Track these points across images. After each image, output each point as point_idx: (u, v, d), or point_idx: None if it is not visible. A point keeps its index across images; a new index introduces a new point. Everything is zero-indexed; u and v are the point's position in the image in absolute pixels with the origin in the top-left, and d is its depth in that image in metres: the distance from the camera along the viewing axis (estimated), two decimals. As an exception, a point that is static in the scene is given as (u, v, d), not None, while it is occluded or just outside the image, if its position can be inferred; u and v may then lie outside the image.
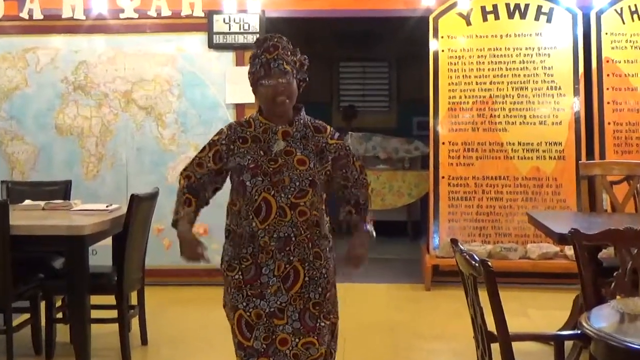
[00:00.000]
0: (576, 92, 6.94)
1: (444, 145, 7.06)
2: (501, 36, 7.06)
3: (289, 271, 3.10)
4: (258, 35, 6.81)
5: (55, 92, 7.05)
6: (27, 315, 4.94)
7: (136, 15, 7.02)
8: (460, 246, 2.90)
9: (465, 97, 7.06)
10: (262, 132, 3.18)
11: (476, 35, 7.08)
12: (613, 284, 3.36)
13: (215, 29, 6.96)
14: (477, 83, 7.04)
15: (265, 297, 3.09)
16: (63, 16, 7.01)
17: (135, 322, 5.20)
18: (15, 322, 4.66)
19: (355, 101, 11.72)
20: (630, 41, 6.95)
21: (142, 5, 6.99)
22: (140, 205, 4.78)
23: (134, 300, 5.20)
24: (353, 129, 10.19)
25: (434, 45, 7.11)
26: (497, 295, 2.62)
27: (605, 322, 2.64)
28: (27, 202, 5.24)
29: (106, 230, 4.73)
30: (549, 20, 7.00)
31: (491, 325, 2.69)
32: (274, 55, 3.15)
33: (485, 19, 7.07)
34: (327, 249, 3.22)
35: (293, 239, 3.09)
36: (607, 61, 6.93)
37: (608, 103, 6.92)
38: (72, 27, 7.04)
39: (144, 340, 5.20)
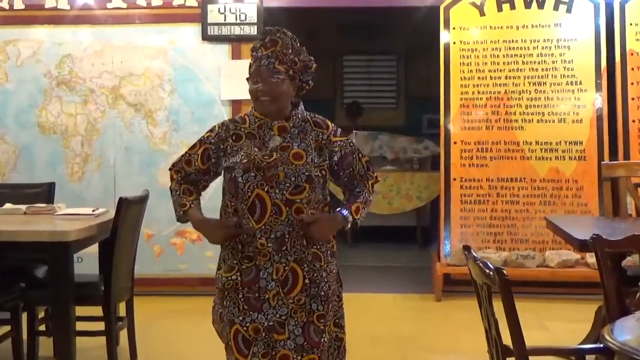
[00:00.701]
0: (598, 88, 6.93)
1: (455, 145, 7.06)
2: (517, 27, 7.06)
3: (287, 274, 3.11)
4: (256, 27, 6.84)
5: (37, 87, 7.06)
6: (7, 328, 4.93)
7: (125, 5, 7.03)
8: (474, 253, 2.90)
9: (479, 92, 7.06)
10: (257, 127, 3.21)
11: (490, 27, 7.08)
12: (638, 294, 3.36)
13: (209, 20, 6.96)
14: (491, 78, 7.04)
15: (263, 310, 3.09)
16: (46, 6, 7.03)
17: (123, 335, 5.20)
18: (-6, 335, 4.67)
19: (360, 97, 11.72)
20: (657, 32, 6.95)
21: (131, -6, 7.02)
22: (129, 209, 4.78)
23: (122, 311, 5.19)
24: (358, 128, 10.21)
25: (445, 37, 7.11)
26: (513, 306, 2.62)
27: (629, 335, 2.64)
28: (8, 205, 5.24)
29: (92, 236, 4.73)
30: (569, 10, 7.00)
31: (507, 339, 2.69)
32: (269, 51, 3.18)
33: (500, 9, 7.07)
34: (328, 252, 3.22)
35: (287, 237, 3.10)
36: (632, 54, 6.93)
37: (633, 99, 6.91)
38: (55, 18, 7.05)
39: (133, 355, 5.20)
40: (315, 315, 3.13)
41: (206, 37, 6.98)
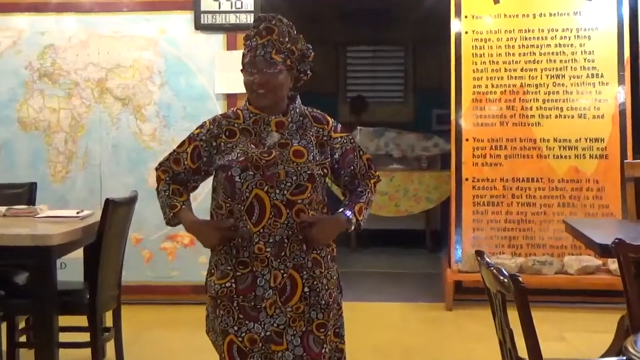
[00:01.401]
0: (621, 81, 6.93)
1: (467, 142, 7.06)
2: (534, 15, 7.06)
3: (285, 282, 3.10)
4: (252, 15, 6.84)
5: (17, 80, 7.06)
6: (-15, 339, 4.94)
7: (112, -8, 7.04)
8: (487, 259, 2.90)
9: (493, 86, 7.06)
10: (253, 123, 3.20)
11: (505, 15, 7.08)
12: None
13: (203, 8, 6.96)
14: (506, 70, 7.04)
15: (259, 319, 3.09)
16: (27, -8, 7.04)
17: (110, 347, 5.20)
18: (-29, 347, 4.67)
19: (365, 91, 11.74)
20: (685, 21, 6.95)
21: (118, -20, 7.02)
22: (117, 212, 4.78)
23: (109, 321, 5.19)
24: (362, 123, 10.21)
25: (456, 26, 7.11)
26: (529, 316, 2.62)
27: (655, 347, 2.64)
28: (-14, 207, 5.24)
29: (77, 240, 4.72)
30: (589, -3, 7.01)
31: (522, 351, 2.69)
32: (265, 40, 3.17)
33: (515, -4, 7.08)
34: (329, 257, 3.22)
35: (286, 241, 3.09)
36: (658, 45, 6.94)
37: (658, 93, 6.93)
38: (37, 5, 7.06)
39: (121, 368, 5.21)
40: (314, 324, 3.13)
41: (199, 26, 6.98)
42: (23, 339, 5.15)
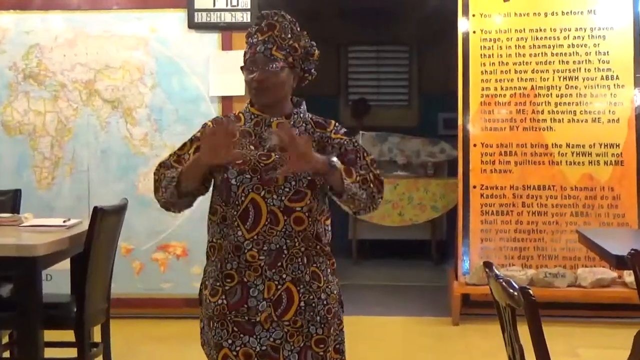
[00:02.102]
0: (637, 83, 6.94)
1: (475, 148, 7.07)
2: (546, 14, 7.07)
3: (280, 294, 3.10)
4: (249, 14, 6.86)
5: (1, 81, 7.07)
6: (-34, 354, 4.95)
7: (101, -11, 7.06)
8: (496, 271, 2.90)
9: (502, 88, 7.06)
10: (254, 125, 3.20)
11: (515, 13, 7.10)
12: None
13: (196, 5, 6.97)
14: (516, 72, 7.05)
15: (255, 333, 3.08)
16: (12, -11, 7.05)
17: (98, 363, 5.21)
18: (-48, 363, 4.67)
19: (367, 94, 11.75)
20: None
21: (108, -24, 7.04)
22: (105, 220, 4.78)
23: (97, 336, 5.19)
24: (365, 128, 10.23)
25: (463, 25, 7.12)
26: (540, 331, 2.62)
27: (672, 364, 2.65)
28: (-33, 216, 5.24)
29: (63, 250, 4.73)
30: (604, -5, 7.03)
31: (533, 368, 2.70)
32: (265, 36, 3.17)
33: (526, -6, 7.09)
34: (328, 270, 3.21)
35: (285, 252, 3.09)
36: (676, 45, 6.96)
37: (676, 96, 6.94)
38: (22, 3, 7.07)
39: (109, 385, 5.21)
40: (313, 340, 3.12)
41: (193, 25, 6.99)
42: (6, 354, 5.15)
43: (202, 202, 3.31)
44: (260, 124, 3.18)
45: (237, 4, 6.96)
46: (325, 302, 3.15)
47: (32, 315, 4.48)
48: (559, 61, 7.02)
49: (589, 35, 7.01)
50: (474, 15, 7.11)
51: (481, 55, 7.09)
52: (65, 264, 5.02)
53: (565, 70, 7.01)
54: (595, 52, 6.99)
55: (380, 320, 6.95)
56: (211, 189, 3.23)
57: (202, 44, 7.00)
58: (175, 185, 3.13)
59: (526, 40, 7.06)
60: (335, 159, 3.06)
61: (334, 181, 3.07)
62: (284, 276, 3.09)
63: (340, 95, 11.89)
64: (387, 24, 10.93)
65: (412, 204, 9.12)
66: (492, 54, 7.08)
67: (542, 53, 7.03)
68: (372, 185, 3.17)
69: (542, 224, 6.99)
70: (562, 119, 7.00)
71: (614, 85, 6.96)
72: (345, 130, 3.28)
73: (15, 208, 5.75)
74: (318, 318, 3.12)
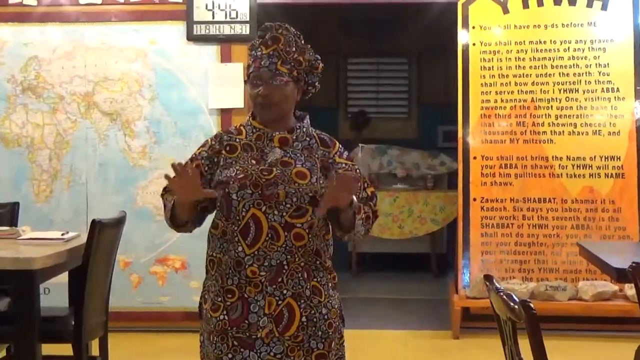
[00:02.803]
0: (638, 95, 6.95)
1: (475, 160, 7.07)
2: (546, 26, 7.08)
3: (281, 309, 3.10)
4: (248, 26, 6.87)
5: (-1, 94, 7.09)
6: (-37, 369, 4.94)
7: (99, 1, 7.05)
8: (496, 284, 2.91)
9: (502, 101, 7.07)
10: (256, 139, 3.20)
11: (515, 26, 7.11)
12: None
13: (195, 18, 6.98)
14: (516, 84, 7.05)
15: (255, 347, 3.08)
16: (10, 1, 7.05)
17: (96, 377, 5.20)
18: (-51, 377, 4.66)
19: (366, 106, 11.76)
20: None
21: (106, -11, 7.05)
22: (104, 233, 4.78)
23: (95, 350, 5.19)
24: (364, 140, 10.22)
25: (463, 37, 7.13)
26: (541, 345, 2.62)
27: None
28: (-35, 229, 5.24)
29: (61, 263, 4.72)
30: (604, 7, 7.03)
31: (534, 382, 2.70)
32: (270, 50, 3.17)
33: (526, 6, 7.10)
34: (329, 284, 3.20)
35: (285, 267, 3.08)
36: (676, 57, 6.97)
37: (677, 108, 6.95)
38: (21, 15, 7.08)
39: (107, 400, 5.20)
40: (314, 355, 3.12)
41: (192, 37, 7.00)
42: (4, 368, 5.14)
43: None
44: (263, 137, 3.18)
45: (236, 17, 6.97)
46: (326, 317, 3.15)
47: (29, 328, 4.48)
48: (559, 73, 7.03)
49: (589, 48, 7.02)
50: (473, 28, 7.12)
51: (481, 67, 7.10)
52: (63, 277, 5.02)
53: (566, 82, 7.02)
54: (596, 65, 7.00)
55: (380, 334, 6.94)
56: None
57: (201, 56, 7.01)
58: (171, 218, 3.19)
59: (526, 52, 7.07)
60: (355, 199, 3.07)
61: (347, 218, 3.11)
62: (285, 292, 3.09)
63: (339, 107, 11.90)
64: (386, 36, 10.95)
65: (412, 216, 9.12)
66: (492, 66, 7.09)
67: (542, 65, 7.04)
68: (371, 222, 3.23)
69: (543, 237, 6.99)
70: (563, 131, 7.01)
71: (615, 97, 6.97)
72: (348, 154, 3.29)
73: (13, 221, 5.75)
74: (319, 333, 3.12)
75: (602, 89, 6.98)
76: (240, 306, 3.09)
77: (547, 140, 7.02)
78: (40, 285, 4.54)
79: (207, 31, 6.99)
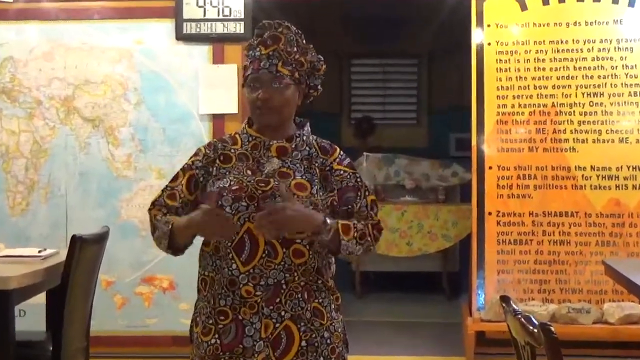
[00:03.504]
0: (668, 100, 6.96)
1: (491, 171, 7.07)
2: (568, 24, 7.09)
3: (279, 333, 3.09)
4: (242, 24, 6.88)
5: (-29, 98, 7.09)
6: None
7: (81, -3, 7.08)
8: (514, 306, 2.91)
9: (520, 105, 7.07)
10: (252, 148, 3.20)
11: (534, 24, 7.11)
12: None
13: (185, 15, 6.99)
14: (535, 87, 7.06)
15: (251, 372, 3.08)
16: (-17, -2, 7.08)
17: (76, 408, 5.20)
18: None
19: (372, 111, 11.77)
20: None
21: (88, -16, 7.06)
22: (85, 250, 4.79)
23: (75, 377, 5.19)
24: (369, 149, 10.23)
25: (478, 36, 7.14)
26: (563, 372, 2.62)
27: None
28: None
29: (38, 283, 4.73)
30: (631, 4, 7.03)
31: (555, 413, 2.69)
32: (270, 50, 3.17)
33: (546, 2, 7.11)
34: (332, 306, 3.20)
35: (283, 286, 3.08)
36: None
37: None
38: (-6, 12, 7.10)
39: None
40: (316, 381, 3.13)
41: (181, 37, 7.01)
42: (-25, 398, 5.14)
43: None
44: (259, 147, 3.18)
45: (230, 14, 6.97)
46: (328, 342, 3.14)
47: (3, 354, 4.48)
48: (583, 76, 7.03)
49: (615, 48, 7.02)
50: (489, 26, 7.13)
51: (497, 69, 7.10)
52: (40, 298, 5.02)
53: (589, 85, 7.02)
54: (622, 66, 7.00)
55: (388, 359, 6.93)
56: None
57: (191, 57, 7.01)
58: (168, 242, 3.15)
59: (546, 52, 7.07)
60: (330, 221, 3.05)
61: (331, 242, 3.08)
62: (283, 313, 3.08)
63: (342, 113, 11.92)
64: (394, 35, 10.96)
65: (421, 232, 9.11)
66: (509, 68, 7.09)
67: (563, 67, 7.04)
68: (370, 239, 3.19)
69: (565, 255, 6.99)
70: (586, 139, 7.00)
71: (643, 102, 6.98)
72: (349, 161, 3.28)
73: (-15, 237, 5.76)
74: (321, 359, 3.11)
75: (630, 92, 6.98)
76: (234, 329, 3.08)
77: (570, 148, 7.02)
78: (16, 307, 4.54)
79: (198, 30, 6.99)
